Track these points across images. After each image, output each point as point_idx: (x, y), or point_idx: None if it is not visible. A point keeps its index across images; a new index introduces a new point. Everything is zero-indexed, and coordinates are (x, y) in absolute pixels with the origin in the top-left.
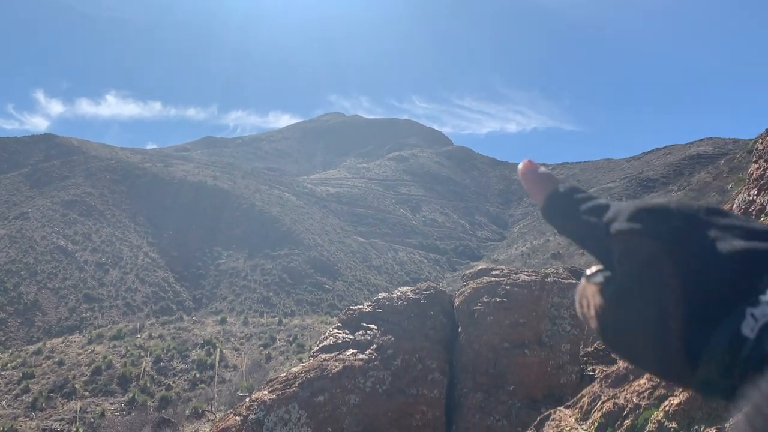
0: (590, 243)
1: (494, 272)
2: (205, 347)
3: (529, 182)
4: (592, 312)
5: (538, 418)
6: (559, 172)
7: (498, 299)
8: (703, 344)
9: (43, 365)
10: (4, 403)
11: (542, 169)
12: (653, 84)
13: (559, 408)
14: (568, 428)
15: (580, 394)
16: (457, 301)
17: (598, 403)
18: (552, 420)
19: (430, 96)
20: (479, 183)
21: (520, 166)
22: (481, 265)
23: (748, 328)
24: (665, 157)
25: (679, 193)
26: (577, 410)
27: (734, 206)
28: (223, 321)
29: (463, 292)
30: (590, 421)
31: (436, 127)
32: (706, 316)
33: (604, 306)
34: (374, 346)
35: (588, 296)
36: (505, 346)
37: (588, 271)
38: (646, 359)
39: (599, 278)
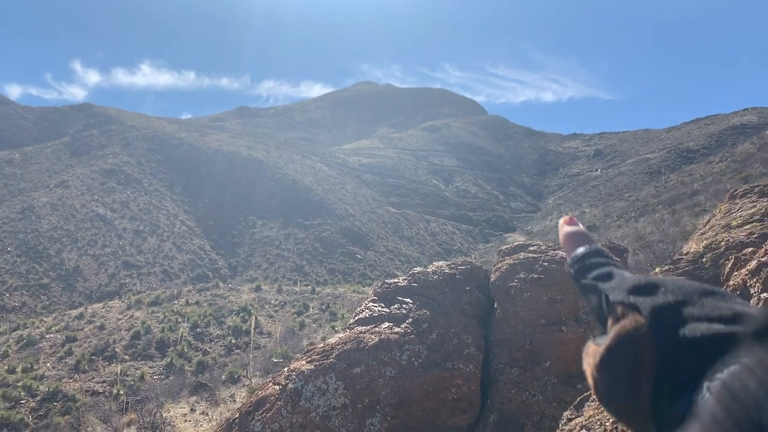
0: (596, 307)
1: (531, 248)
2: (241, 314)
3: (561, 239)
4: (589, 370)
5: (579, 399)
6: (597, 142)
7: (535, 276)
8: (667, 413)
9: (85, 329)
10: (49, 365)
11: (574, 228)
12: (695, 51)
13: None
14: None
15: None
16: (493, 277)
17: None
18: (593, 400)
19: (464, 64)
20: (514, 153)
21: (560, 220)
22: (515, 237)
23: (703, 401)
24: (707, 127)
25: (721, 164)
26: None
27: None
28: (257, 289)
29: (500, 268)
30: None
31: (469, 96)
32: (672, 388)
33: (596, 366)
34: (410, 319)
35: (589, 355)
36: (542, 323)
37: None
38: (623, 415)
39: (598, 341)
